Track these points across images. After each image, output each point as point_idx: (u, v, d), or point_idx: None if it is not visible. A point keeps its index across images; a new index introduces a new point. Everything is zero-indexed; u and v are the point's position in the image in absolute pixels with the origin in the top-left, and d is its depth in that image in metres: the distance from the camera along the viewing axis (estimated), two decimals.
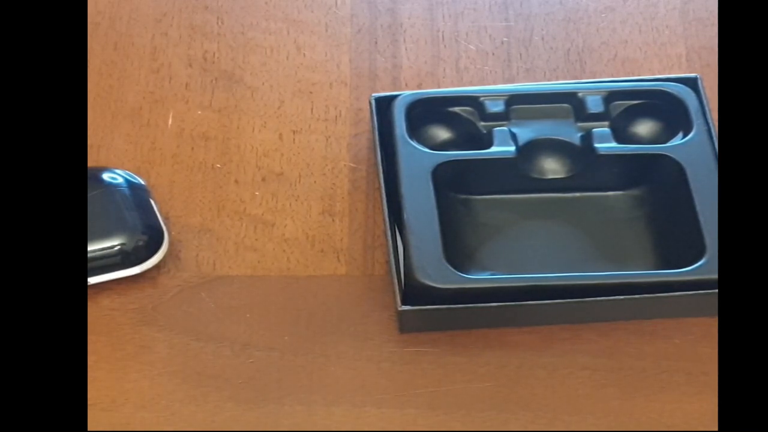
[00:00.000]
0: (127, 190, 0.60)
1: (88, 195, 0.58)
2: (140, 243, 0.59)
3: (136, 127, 0.65)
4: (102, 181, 0.60)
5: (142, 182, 0.62)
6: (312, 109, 0.66)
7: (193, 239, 0.62)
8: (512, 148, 0.61)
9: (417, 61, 0.68)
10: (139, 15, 0.69)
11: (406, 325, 0.58)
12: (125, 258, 0.59)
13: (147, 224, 0.60)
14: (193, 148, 0.65)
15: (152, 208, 0.61)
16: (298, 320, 0.59)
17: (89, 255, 0.57)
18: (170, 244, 0.60)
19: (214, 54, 0.68)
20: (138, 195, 0.61)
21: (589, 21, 0.69)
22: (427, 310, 0.57)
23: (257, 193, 0.63)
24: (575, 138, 0.62)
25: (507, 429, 0.56)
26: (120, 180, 0.61)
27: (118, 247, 0.58)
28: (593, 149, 0.61)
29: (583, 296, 0.57)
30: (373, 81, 0.67)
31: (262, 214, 0.62)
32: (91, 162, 0.64)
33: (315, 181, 0.64)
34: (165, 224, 0.60)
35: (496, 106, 0.63)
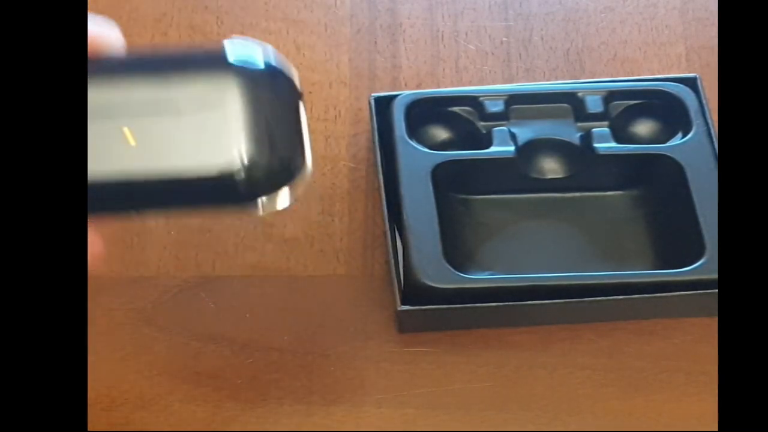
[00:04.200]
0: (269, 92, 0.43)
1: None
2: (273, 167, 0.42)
3: None
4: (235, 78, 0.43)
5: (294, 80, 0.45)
6: (311, 109, 0.66)
7: (193, 239, 0.62)
8: (512, 148, 0.61)
9: (416, 60, 0.68)
10: (138, 15, 0.69)
11: (405, 325, 0.58)
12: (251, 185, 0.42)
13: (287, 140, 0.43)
14: None
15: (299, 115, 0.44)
16: (297, 320, 0.59)
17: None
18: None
19: None
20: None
21: (588, 21, 0.69)
22: (426, 310, 0.57)
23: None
24: (575, 138, 0.62)
25: (507, 429, 0.56)
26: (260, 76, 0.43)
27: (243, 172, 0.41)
28: (593, 149, 0.61)
29: (582, 296, 0.57)
30: (373, 81, 0.67)
31: (262, 214, 0.62)
32: None
33: (314, 181, 0.64)
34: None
35: (495, 106, 0.63)
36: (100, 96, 0.43)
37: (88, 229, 0.46)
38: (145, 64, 0.44)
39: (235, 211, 0.44)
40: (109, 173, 0.42)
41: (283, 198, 0.43)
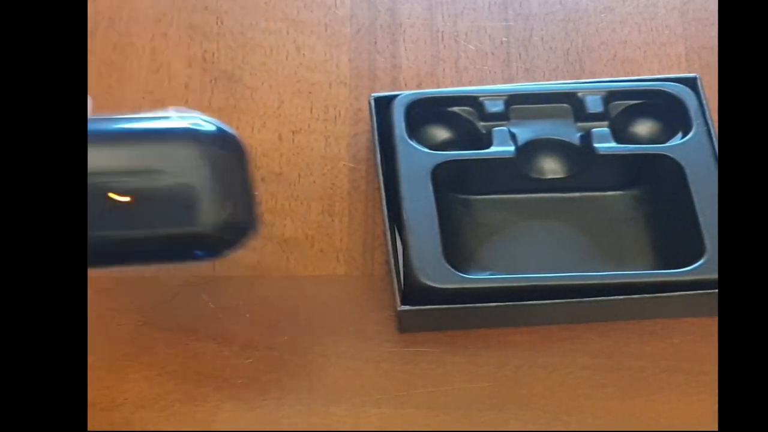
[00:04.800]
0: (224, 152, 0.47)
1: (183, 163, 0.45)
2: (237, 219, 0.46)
3: None
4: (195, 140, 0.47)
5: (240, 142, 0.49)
6: (311, 109, 0.66)
7: None
8: (512, 148, 0.61)
9: (416, 61, 0.68)
10: (138, 15, 0.69)
11: (405, 325, 0.58)
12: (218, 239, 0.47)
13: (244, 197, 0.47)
14: None
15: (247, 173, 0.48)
16: (297, 320, 0.59)
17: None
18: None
19: (213, 54, 0.68)
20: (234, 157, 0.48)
21: (588, 21, 0.69)
22: (426, 310, 0.57)
23: (256, 193, 0.63)
24: (575, 138, 0.62)
25: (507, 429, 0.56)
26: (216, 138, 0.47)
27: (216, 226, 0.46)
28: (593, 149, 0.61)
29: (582, 296, 0.57)
30: (373, 81, 0.67)
31: (262, 214, 0.62)
32: None
33: (314, 181, 0.64)
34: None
35: (495, 106, 0.63)
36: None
37: None
38: (109, 131, 0.47)
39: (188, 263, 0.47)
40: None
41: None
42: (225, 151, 0.46)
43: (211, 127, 0.46)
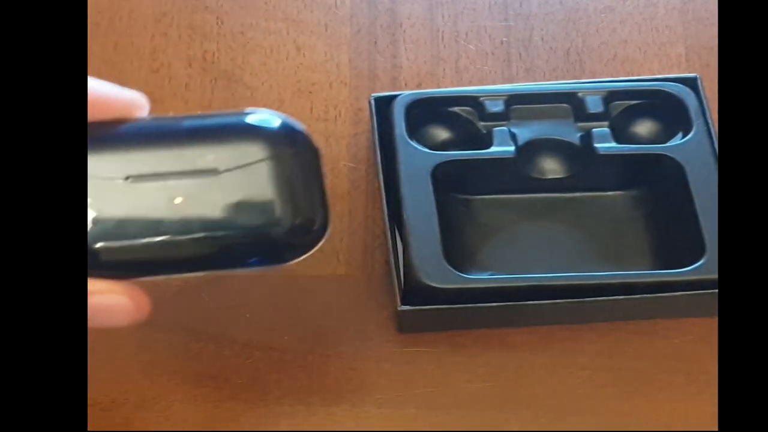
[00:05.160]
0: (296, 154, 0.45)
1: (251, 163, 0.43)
2: (306, 225, 0.44)
3: None
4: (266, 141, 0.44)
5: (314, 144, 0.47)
6: (311, 109, 0.66)
7: None
8: (512, 148, 0.61)
9: (417, 61, 0.68)
10: (138, 15, 0.69)
11: (405, 325, 0.58)
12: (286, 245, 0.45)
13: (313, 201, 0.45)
14: None
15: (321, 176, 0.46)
16: (297, 320, 0.59)
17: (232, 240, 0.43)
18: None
19: (213, 54, 0.68)
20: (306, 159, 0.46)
21: (588, 21, 0.69)
22: (426, 310, 0.57)
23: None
24: (575, 138, 0.62)
25: (507, 429, 0.56)
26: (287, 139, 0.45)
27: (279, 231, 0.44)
28: (593, 149, 0.61)
29: (583, 296, 0.57)
30: (373, 81, 0.67)
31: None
32: None
33: None
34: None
35: (495, 106, 0.63)
36: (135, 159, 0.44)
37: (138, 288, 0.46)
38: (174, 130, 0.46)
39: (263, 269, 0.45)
40: (155, 235, 0.43)
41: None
42: (295, 150, 0.45)
43: (279, 123, 0.44)
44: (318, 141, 0.64)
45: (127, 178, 0.44)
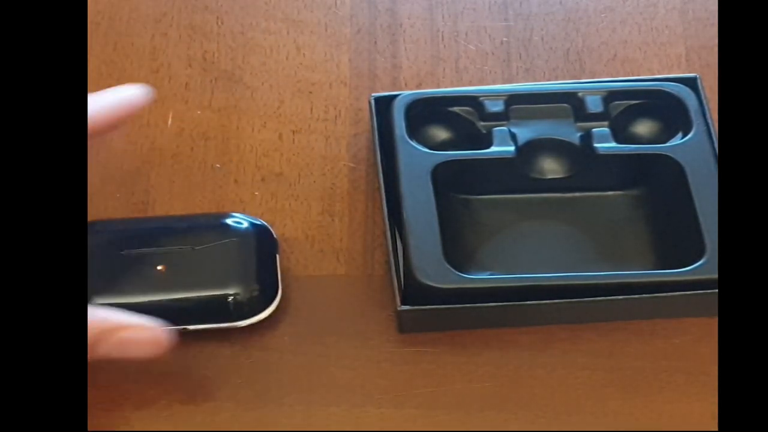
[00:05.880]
0: (254, 241, 0.59)
1: (218, 243, 0.58)
2: (253, 295, 0.57)
3: (135, 127, 0.65)
4: (233, 229, 0.59)
5: (274, 235, 0.60)
6: (311, 109, 0.66)
7: None
8: (512, 148, 0.61)
9: (416, 60, 0.68)
10: (138, 15, 0.69)
11: (405, 325, 0.58)
12: (236, 309, 0.57)
13: (263, 278, 0.58)
14: (192, 148, 0.65)
15: (275, 262, 0.59)
16: (297, 320, 0.59)
17: (196, 301, 0.57)
18: (281, 299, 0.58)
19: (213, 54, 0.68)
20: (264, 247, 0.59)
21: (588, 21, 0.69)
22: (426, 310, 0.57)
23: (257, 193, 0.63)
24: (575, 138, 0.62)
25: (507, 429, 0.56)
26: (249, 230, 0.59)
27: (231, 297, 0.57)
28: (593, 149, 0.61)
29: (582, 296, 0.57)
30: (373, 81, 0.67)
31: (262, 214, 0.62)
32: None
33: (314, 181, 0.64)
34: (281, 281, 0.58)
35: (495, 106, 0.63)
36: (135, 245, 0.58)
37: (160, 326, 0.53)
38: (166, 227, 0.60)
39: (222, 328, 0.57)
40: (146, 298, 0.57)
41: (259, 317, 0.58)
42: (256, 240, 0.59)
43: (247, 224, 0.59)
44: (318, 141, 0.65)
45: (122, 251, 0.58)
